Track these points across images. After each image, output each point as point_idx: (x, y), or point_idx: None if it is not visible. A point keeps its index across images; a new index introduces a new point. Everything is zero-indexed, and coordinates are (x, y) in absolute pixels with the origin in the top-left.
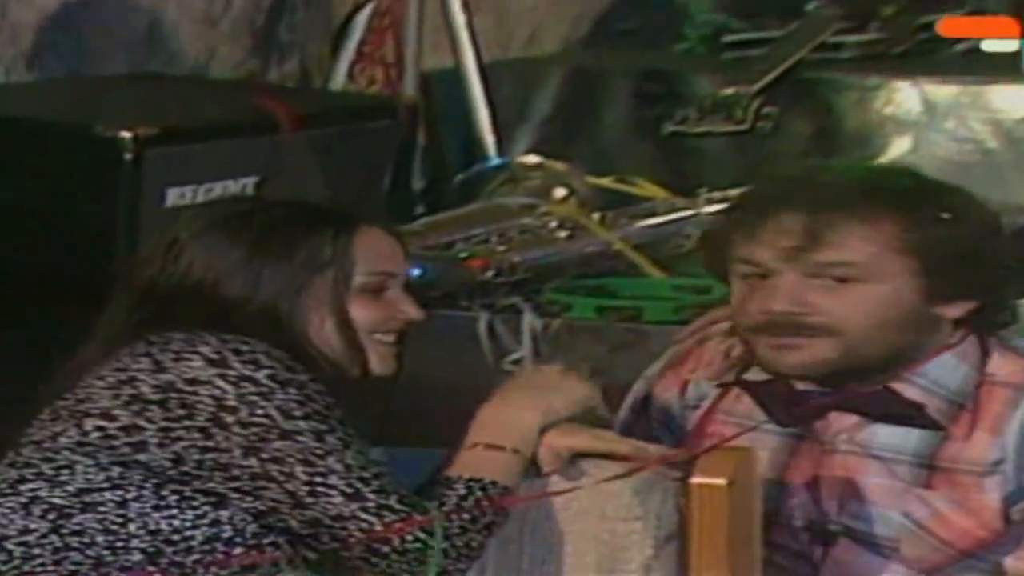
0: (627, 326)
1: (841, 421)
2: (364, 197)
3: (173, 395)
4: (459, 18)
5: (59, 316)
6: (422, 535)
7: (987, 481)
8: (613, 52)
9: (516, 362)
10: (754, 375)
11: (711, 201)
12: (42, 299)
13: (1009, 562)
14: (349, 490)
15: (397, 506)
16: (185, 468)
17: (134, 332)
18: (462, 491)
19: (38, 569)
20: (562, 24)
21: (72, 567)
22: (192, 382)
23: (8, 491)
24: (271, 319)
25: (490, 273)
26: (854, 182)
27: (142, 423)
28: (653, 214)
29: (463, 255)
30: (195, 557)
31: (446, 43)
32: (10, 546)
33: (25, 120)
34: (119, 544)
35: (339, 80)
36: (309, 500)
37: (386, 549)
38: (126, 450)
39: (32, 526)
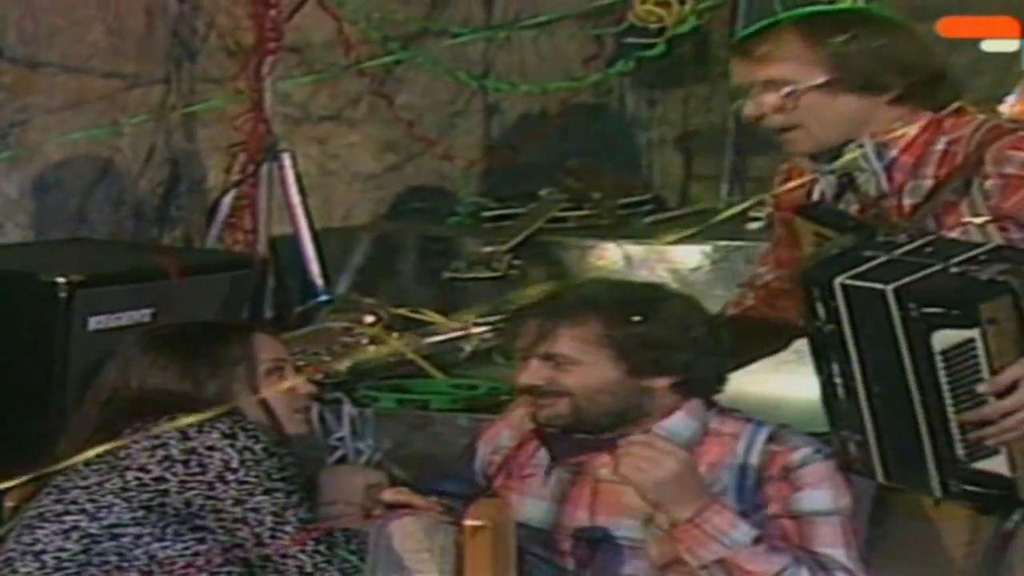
0: (418, 413)
1: (603, 459)
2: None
3: (194, 456)
4: (296, 199)
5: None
6: (338, 574)
7: None
8: (407, 223)
9: (339, 439)
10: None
11: (477, 325)
12: None
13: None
14: (297, 536)
15: (324, 551)
16: (192, 509)
17: (108, 428)
18: (344, 539)
19: None
20: (370, 203)
21: None
22: (210, 448)
23: (53, 519)
24: (216, 407)
25: (320, 376)
26: (574, 296)
27: (168, 475)
28: (436, 333)
29: (301, 363)
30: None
31: (287, 216)
32: (47, 558)
33: None
34: (125, 564)
35: (212, 242)
36: (268, 540)
37: None
38: (154, 495)
39: (68, 546)
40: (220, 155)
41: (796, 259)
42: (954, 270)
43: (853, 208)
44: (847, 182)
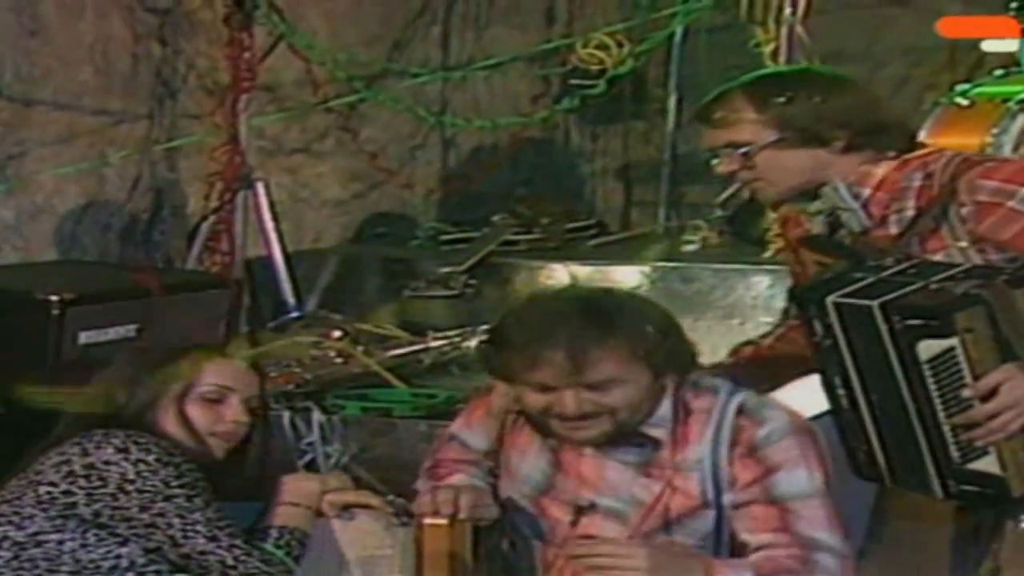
0: (382, 420)
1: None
2: (206, 338)
3: (94, 471)
4: (269, 224)
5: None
6: (261, 564)
7: (689, 474)
8: (371, 246)
9: (309, 444)
10: None
11: (436, 339)
12: None
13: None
14: (209, 534)
15: (242, 545)
16: (102, 520)
17: (65, 434)
18: (276, 535)
19: None
20: (337, 228)
21: None
22: (107, 462)
23: None
24: (139, 419)
25: (291, 386)
26: (591, 320)
27: (74, 489)
28: (398, 347)
29: (274, 374)
30: None
31: (261, 240)
32: None
33: None
34: (54, 568)
35: (191, 263)
36: (183, 541)
37: (234, 574)
38: (64, 507)
39: (1, 554)
40: (200, 184)
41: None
42: (934, 286)
43: (846, 242)
44: (834, 220)
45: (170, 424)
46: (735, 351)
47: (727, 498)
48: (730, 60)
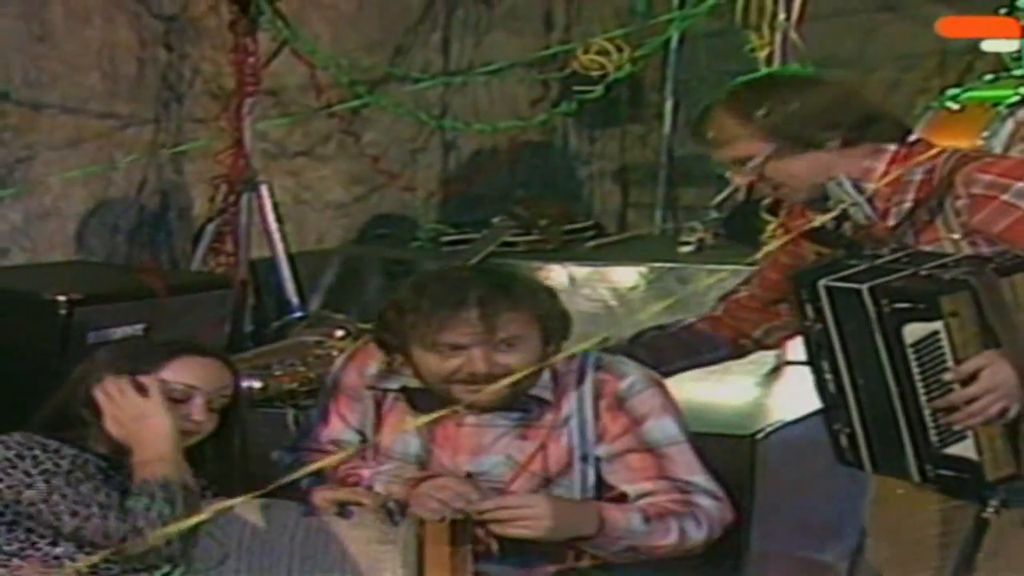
0: None
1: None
2: (211, 337)
3: None
4: (273, 225)
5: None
6: (118, 522)
7: (560, 431)
8: (373, 247)
9: None
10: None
11: None
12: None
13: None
14: (70, 511)
15: (97, 512)
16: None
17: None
18: (136, 491)
19: None
20: (339, 230)
21: None
22: None
23: None
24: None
25: (295, 384)
26: (498, 283)
27: None
28: None
29: (278, 373)
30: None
31: (265, 241)
32: None
33: None
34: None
35: (197, 264)
36: (56, 523)
37: (109, 540)
38: None
39: None
40: (205, 186)
41: (781, 281)
42: (924, 273)
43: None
44: (841, 214)
45: None
46: (636, 336)
47: (601, 449)
48: (725, 65)
